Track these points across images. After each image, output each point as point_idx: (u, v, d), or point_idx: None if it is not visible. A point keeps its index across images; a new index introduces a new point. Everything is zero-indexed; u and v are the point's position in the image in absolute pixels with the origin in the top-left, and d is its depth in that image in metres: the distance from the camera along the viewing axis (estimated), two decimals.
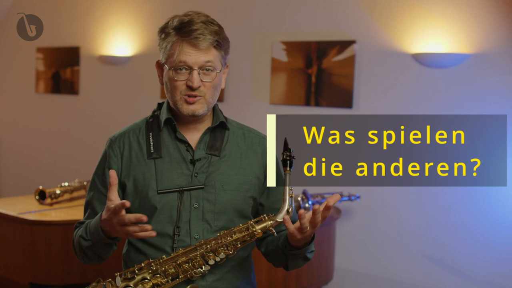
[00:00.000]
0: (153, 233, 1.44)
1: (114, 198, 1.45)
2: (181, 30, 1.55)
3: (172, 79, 1.57)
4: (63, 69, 4.94)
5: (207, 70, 1.56)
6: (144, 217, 1.41)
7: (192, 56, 1.54)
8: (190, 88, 1.55)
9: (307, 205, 3.07)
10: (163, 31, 1.60)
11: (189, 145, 1.62)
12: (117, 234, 1.49)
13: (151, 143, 1.62)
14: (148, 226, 1.43)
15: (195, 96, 1.56)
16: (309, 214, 1.45)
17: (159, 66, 1.64)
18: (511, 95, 3.13)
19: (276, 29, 3.86)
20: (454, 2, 3.24)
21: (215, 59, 1.58)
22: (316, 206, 1.43)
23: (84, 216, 1.69)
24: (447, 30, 3.25)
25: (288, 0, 3.81)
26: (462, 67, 3.23)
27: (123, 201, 1.42)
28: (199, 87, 1.56)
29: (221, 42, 1.58)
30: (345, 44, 3.57)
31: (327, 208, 1.44)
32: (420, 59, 3.32)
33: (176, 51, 1.55)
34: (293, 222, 1.60)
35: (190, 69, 1.55)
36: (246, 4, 3.99)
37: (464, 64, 3.22)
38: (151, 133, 1.63)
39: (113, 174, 1.47)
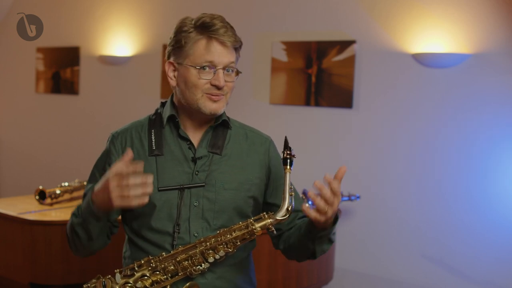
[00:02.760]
0: (146, 199, 1.42)
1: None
2: (207, 28, 1.55)
3: (196, 77, 1.55)
4: (63, 69, 4.94)
5: (228, 71, 1.58)
6: (149, 176, 1.41)
7: (219, 54, 1.55)
8: (216, 87, 1.56)
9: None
10: (182, 30, 1.58)
11: (191, 143, 1.62)
12: (108, 203, 1.43)
13: (153, 140, 1.62)
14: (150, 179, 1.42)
15: (218, 95, 1.57)
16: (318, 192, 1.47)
17: (171, 65, 1.62)
18: (511, 95, 3.13)
19: (276, 29, 3.85)
20: (454, 2, 3.24)
21: (235, 61, 1.61)
22: (328, 179, 1.46)
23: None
24: (447, 30, 3.25)
25: (288, 0, 3.81)
26: (462, 67, 3.23)
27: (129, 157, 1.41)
28: (223, 86, 1.57)
29: (241, 44, 1.62)
30: (345, 44, 3.57)
31: (337, 178, 1.46)
32: (420, 59, 3.32)
33: (201, 49, 1.55)
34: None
35: (215, 68, 1.56)
36: (246, 4, 3.99)
37: (464, 64, 3.22)
38: (153, 130, 1.63)
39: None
